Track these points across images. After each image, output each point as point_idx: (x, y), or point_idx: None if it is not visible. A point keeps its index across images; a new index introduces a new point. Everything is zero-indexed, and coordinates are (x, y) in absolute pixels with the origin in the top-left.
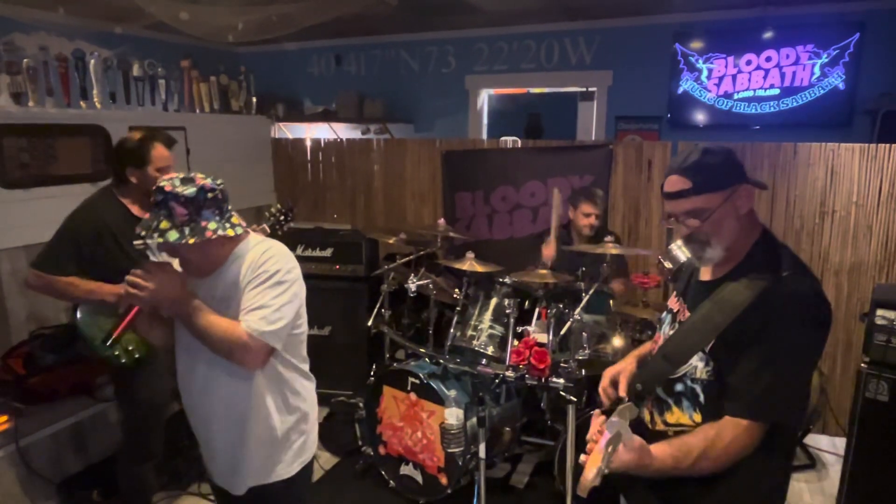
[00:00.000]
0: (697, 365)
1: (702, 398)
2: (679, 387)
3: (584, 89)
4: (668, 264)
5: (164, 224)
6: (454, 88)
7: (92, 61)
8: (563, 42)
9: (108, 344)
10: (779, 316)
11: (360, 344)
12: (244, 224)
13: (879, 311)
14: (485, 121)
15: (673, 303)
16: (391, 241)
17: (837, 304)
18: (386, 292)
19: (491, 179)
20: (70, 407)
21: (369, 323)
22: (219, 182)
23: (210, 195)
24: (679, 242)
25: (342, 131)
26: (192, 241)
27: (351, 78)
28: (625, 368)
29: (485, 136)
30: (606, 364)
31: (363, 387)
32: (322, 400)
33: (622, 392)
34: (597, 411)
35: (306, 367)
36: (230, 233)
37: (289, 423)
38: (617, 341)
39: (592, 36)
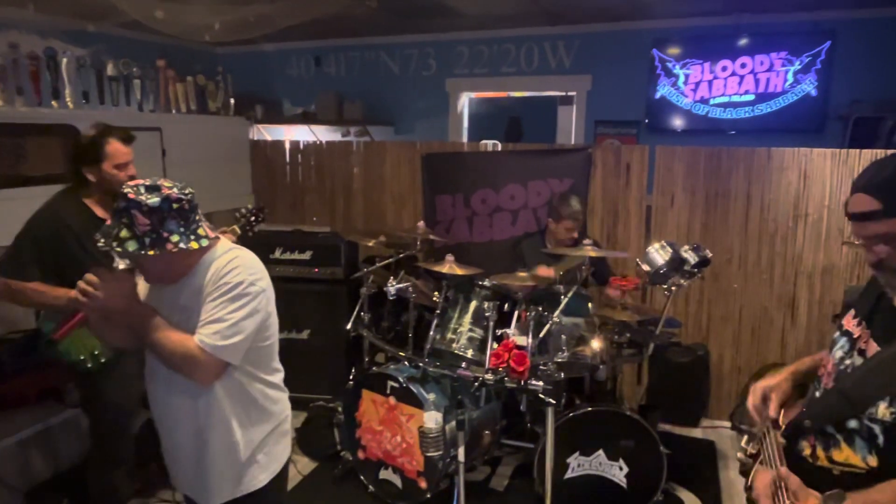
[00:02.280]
0: (880, 403)
1: (881, 440)
2: (853, 423)
3: (563, 93)
4: (645, 267)
5: (124, 233)
6: (434, 91)
7: (64, 60)
8: (544, 46)
9: (48, 344)
10: None
11: (338, 347)
12: (212, 234)
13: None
14: (465, 124)
15: (851, 324)
16: (371, 244)
17: (810, 306)
18: (365, 295)
19: (471, 182)
20: (39, 413)
21: (348, 326)
22: (187, 191)
23: (175, 206)
24: (657, 245)
25: (322, 133)
26: (151, 253)
27: (330, 79)
28: (779, 385)
29: (465, 139)
30: (585, 367)
31: (342, 391)
32: (300, 404)
33: (772, 412)
34: (745, 444)
35: (277, 377)
36: (193, 246)
37: (253, 436)
38: (596, 344)
39: (572, 41)
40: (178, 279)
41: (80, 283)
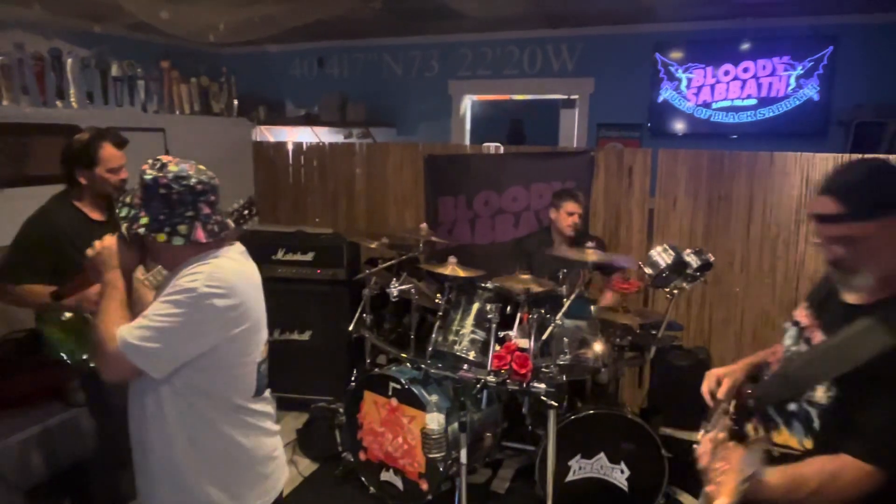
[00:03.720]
0: (818, 387)
1: (816, 424)
2: (792, 406)
3: (566, 97)
4: (648, 270)
5: (128, 198)
6: (437, 93)
7: (69, 60)
8: (546, 49)
9: (57, 300)
10: None
11: (340, 348)
12: (202, 239)
13: None
14: (467, 126)
15: (801, 315)
16: (373, 245)
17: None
18: (368, 297)
19: (473, 184)
20: (40, 412)
21: (350, 327)
22: (189, 182)
23: (162, 191)
24: (659, 249)
25: (324, 135)
26: (124, 225)
27: (333, 81)
28: (732, 372)
29: (468, 141)
30: (587, 369)
31: (343, 392)
32: (302, 405)
33: (721, 395)
34: (703, 433)
35: (257, 416)
36: (160, 238)
37: (205, 466)
38: (598, 346)
39: (575, 44)
40: (170, 269)
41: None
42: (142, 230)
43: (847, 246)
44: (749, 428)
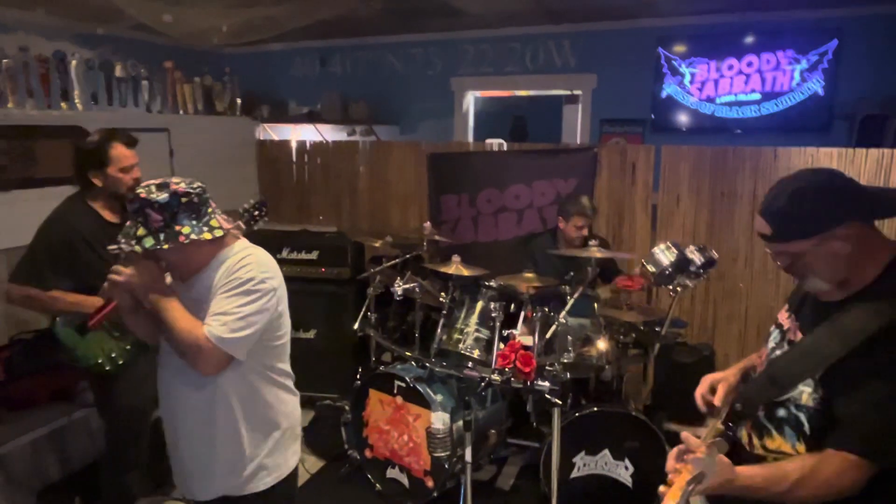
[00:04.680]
0: (804, 390)
1: (806, 427)
2: (781, 412)
3: (568, 92)
4: (651, 268)
5: (140, 231)
6: (439, 90)
7: (73, 62)
8: (548, 45)
9: (81, 334)
10: None
11: (345, 347)
12: (226, 226)
13: None
14: (470, 123)
15: (783, 318)
16: (377, 245)
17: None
18: (372, 296)
19: (476, 182)
20: (50, 413)
21: (355, 326)
22: (195, 186)
23: (184, 199)
24: (663, 246)
25: (327, 133)
26: (166, 246)
27: (336, 79)
28: (726, 377)
29: (471, 137)
30: (591, 367)
31: (349, 390)
32: (307, 403)
33: (717, 401)
34: (685, 433)
35: (288, 380)
36: (206, 236)
37: (260, 436)
38: (601, 344)
39: (577, 39)
40: (195, 274)
41: (113, 267)
42: (193, 236)
43: (786, 259)
44: (743, 433)
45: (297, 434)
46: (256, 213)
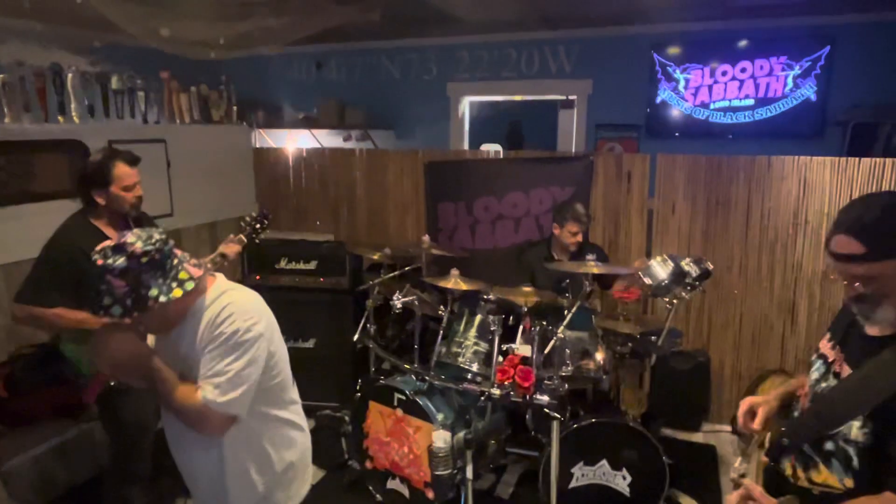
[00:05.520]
0: (853, 424)
1: (855, 462)
2: (829, 445)
3: (564, 97)
4: (647, 280)
5: (106, 300)
6: (435, 95)
7: (69, 75)
8: (544, 51)
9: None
10: None
11: (345, 356)
12: (198, 273)
13: None
14: (466, 128)
15: (826, 348)
16: (376, 257)
17: (810, 313)
18: (371, 307)
19: (473, 190)
20: (52, 428)
21: (355, 337)
22: (154, 240)
23: (145, 260)
24: (659, 259)
25: (323, 138)
26: (136, 314)
27: (332, 84)
28: (766, 402)
29: (466, 142)
30: (589, 380)
31: (348, 399)
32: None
33: (757, 425)
34: (748, 482)
35: (292, 411)
36: (177, 294)
37: (272, 476)
38: (599, 357)
39: (572, 45)
40: (177, 325)
41: (92, 348)
42: (162, 299)
43: (868, 283)
44: (786, 465)
45: (308, 463)
46: (258, 224)
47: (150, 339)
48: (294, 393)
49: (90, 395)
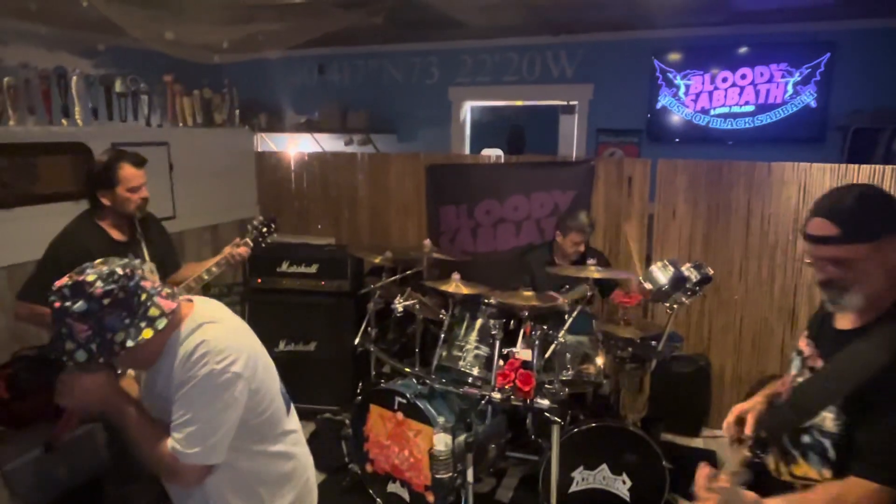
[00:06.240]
0: (827, 416)
1: (831, 453)
2: (806, 438)
3: (565, 102)
4: (648, 286)
5: (69, 345)
6: (437, 100)
7: (74, 78)
8: (546, 55)
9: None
10: None
11: (345, 359)
12: (171, 306)
13: None
14: (468, 132)
15: (803, 345)
16: (377, 261)
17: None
18: (372, 311)
19: (475, 193)
20: (55, 428)
21: (356, 341)
22: (116, 276)
23: (107, 301)
24: (659, 264)
25: (325, 141)
26: (101, 360)
27: (334, 88)
28: (754, 407)
29: (467, 147)
30: (589, 384)
31: (348, 402)
32: (308, 415)
33: (748, 431)
34: (703, 463)
35: (285, 442)
36: (147, 335)
37: None
38: (599, 361)
39: (574, 50)
40: (154, 361)
41: (58, 384)
42: (129, 343)
43: (839, 266)
44: (770, 461)
45: (311, 488)
46: (265, 229)
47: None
48: (290, 422)
49: (60, 431)
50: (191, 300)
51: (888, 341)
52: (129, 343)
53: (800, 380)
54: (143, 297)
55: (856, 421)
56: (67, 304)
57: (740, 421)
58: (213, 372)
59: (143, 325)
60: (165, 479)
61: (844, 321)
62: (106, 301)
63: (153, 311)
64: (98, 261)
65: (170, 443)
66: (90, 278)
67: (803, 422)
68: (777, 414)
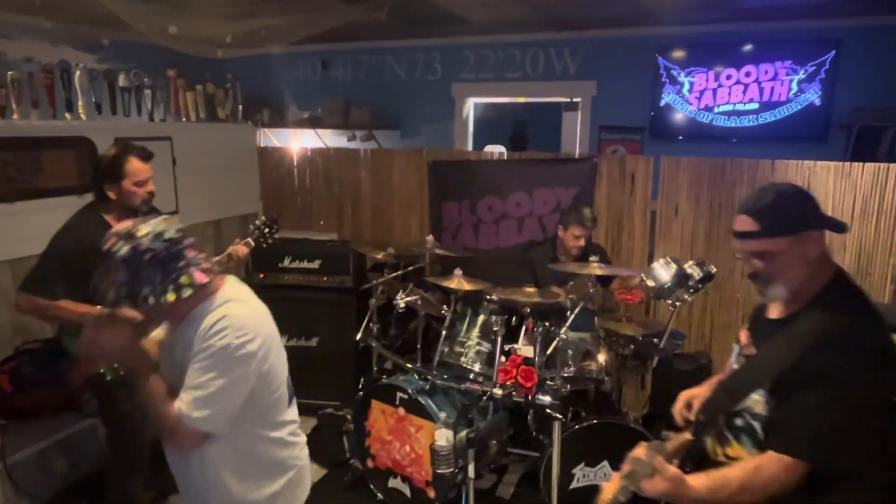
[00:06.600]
0: (757, 400)
1: (760, 435)
2: (739, 421)
3: (568, 99)
4: (650, 282)
5: (104, 283)
6: (440, 96)
7: (77, 72)
8: (549, 52)
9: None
10: (839, 359)
11: (347, 355)
12: (203, 280)
13: None
14: (470, 129)
15: (743, 336)
16: (380, 256)
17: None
18: (374, 307)
19: (477, 189)
20: (57, 422)
21: (358, 336)
22: (166, 237)
23: (147, 257)
24: (662, 261)
25: (328, 137)
26: (124, 305)
27: (337, 84)
28: (701, 393)
29: (470, 143)
30: (591, 380)
31: (350, 398)
32: (310, 410)
33: (692, 415)
34: (642, 443)
35: (285, 430)
36: (169, 298)
37: (257, 493)
38: (601, 358)
39: (577, 47)
40: (181, 321)
41: (84, 329)
42: (151, 300)
43: (763, 259)
44: (708, 443)
45: (302, 477)
46: (267, 230)
47: (159, 334)
48: (291, 413)
49: (77, 378)
50: (226, 278)
51: (808, 326)
52: (151, 300)
53: (735, 367)
54: (182, 264)
55: (778, 400)
56: (115, 247)
57: (688, 406)
58: (231, 346)
59: (169, 287)
60: (165, 440)
61: (775, 311)
62: (147, 256)
63: (184, 279)
64: (161, 217)
65: (177, 404)
66: (143, 231)
67: (735, 405)
68: (712, 398)
